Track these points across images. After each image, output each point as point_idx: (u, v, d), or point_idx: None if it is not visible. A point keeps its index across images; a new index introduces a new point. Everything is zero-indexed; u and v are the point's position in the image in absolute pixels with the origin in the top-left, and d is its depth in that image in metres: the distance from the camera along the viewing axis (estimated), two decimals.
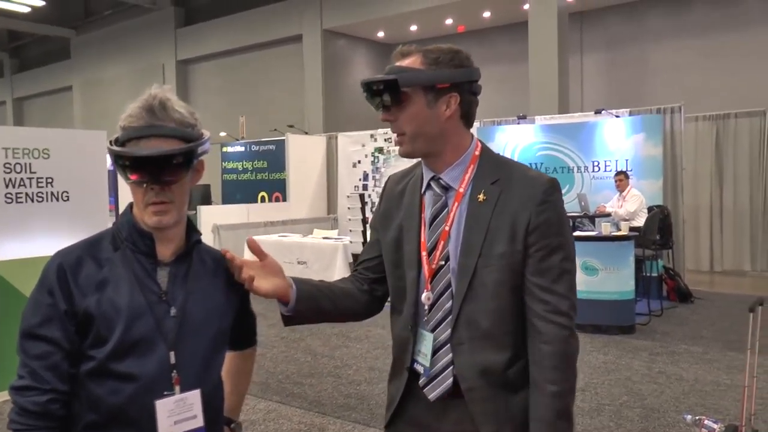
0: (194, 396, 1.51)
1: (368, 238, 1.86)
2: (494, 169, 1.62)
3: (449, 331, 1.59)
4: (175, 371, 1.48)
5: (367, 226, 9.24)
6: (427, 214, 1.66)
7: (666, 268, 8.65)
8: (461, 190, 1.61)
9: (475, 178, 1.61)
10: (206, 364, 1.56)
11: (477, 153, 1.65)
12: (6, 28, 22.42)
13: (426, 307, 1.62)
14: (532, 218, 1.54)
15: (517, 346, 1.58)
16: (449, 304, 1.60)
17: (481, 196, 1.59)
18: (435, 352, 1.60)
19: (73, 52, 22.69)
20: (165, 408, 1.47)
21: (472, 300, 1.56)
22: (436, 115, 1.57)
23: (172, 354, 1.48)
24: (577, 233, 7.22)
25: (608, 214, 8.59)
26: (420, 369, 1.63)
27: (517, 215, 1.55)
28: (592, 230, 7.93)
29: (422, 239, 1.64)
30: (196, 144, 1.48)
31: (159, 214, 1.48)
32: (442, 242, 1.61)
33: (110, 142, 1.48)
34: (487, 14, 14.14)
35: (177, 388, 1.49)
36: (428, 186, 1.67)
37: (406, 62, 1.59)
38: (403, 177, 1.79)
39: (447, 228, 1.61)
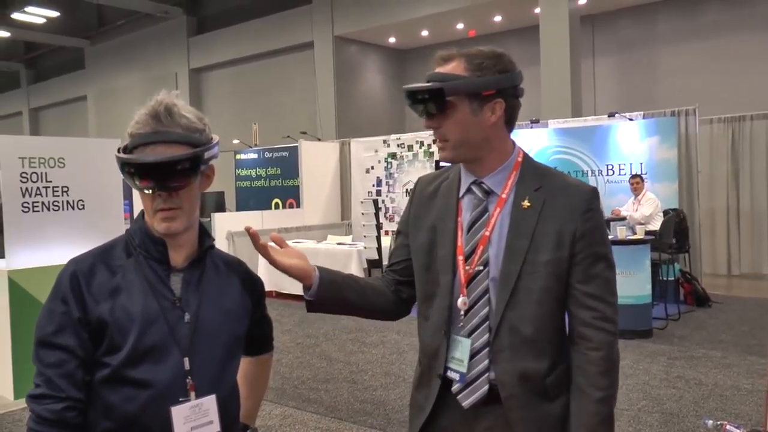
0: (210, 402, 1.51)
1: (392, 243, 1.85)
2: (536, 176, 1.61)
3: (486, 336, 1.57)
4: (189, 377, 1.48)
5: (381, 231, 9.24)
6: (464, 218, 1.63)
7: (683, 271, 8.56)
8: (504, 195, 1.59)
9: (518, 184, 1.60)
10: (221, 369, 1.55)
11: (519, 159, 1.63)
12: (22, 39, 22.68)
13: (462, 313, 1.59)
14: (579, 226, 1.54)
15: (556, 354, 1.57)
16: (485, 310, 1.57)
17: (525, 203, 1.57)
18: (471, 357, 1.57)
19: (87, 62, 22.90)
20: (181, 414, 1.46)
21: (515, 307, 1.54)
22: (481, 121, 1.55)
23: (186, 360, 1.48)
24: None
25: (623, 218, 8.52)
26: (455, 376, 1.59)
27: (563, 223, 1.54)
28: (608, 234, 7.86)
29: (459, 243, 1.61)
30: (201, 149, 1.47)
31: (167, 220, 1.47)
32: (481, 247, 1.58)
33: (118, 149, 1.48)
34: (498, 18, 14.11)
35: (192, 394, 1.48)
36: (468, 190, 1.64)
37: (448, 68, 1.55)
38: (434, 179, 1.76)
39: (487, 233, 1.58)
